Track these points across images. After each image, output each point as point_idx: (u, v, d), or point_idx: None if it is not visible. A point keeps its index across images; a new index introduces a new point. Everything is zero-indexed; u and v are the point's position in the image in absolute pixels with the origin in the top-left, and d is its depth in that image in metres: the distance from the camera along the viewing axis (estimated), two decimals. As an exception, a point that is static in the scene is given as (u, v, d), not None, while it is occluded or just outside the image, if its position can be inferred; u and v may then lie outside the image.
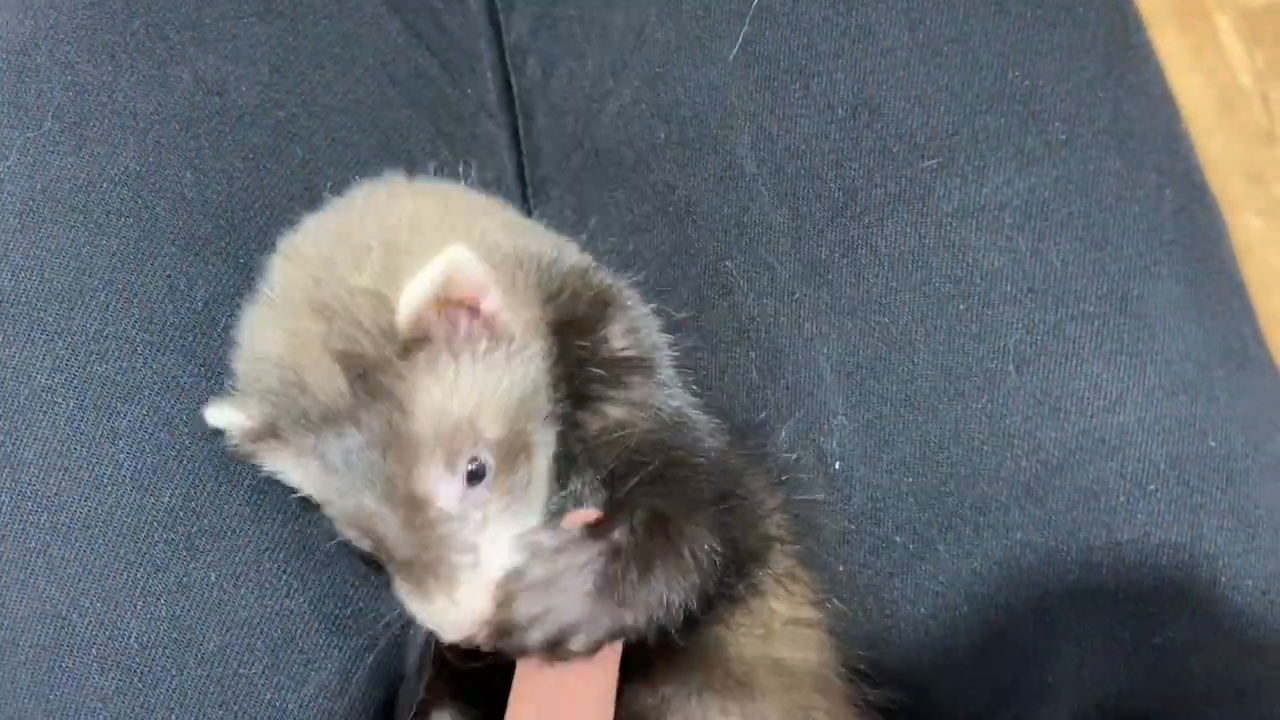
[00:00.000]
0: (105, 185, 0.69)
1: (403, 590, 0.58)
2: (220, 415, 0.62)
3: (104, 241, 0.68)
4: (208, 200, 0.71)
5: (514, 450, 0.59)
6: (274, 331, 0.61)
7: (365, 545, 0.60)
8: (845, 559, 0.74)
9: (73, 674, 0.62)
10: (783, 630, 0.66)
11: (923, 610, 0.72)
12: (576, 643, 0.56)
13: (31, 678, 0.62)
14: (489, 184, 0.88)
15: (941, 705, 0.71)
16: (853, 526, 0.74)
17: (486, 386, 0.58)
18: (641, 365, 0.67)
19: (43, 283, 0.66)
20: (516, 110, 0.93)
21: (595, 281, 0.68)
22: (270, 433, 0.60)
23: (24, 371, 0.65)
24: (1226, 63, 1.75)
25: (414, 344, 0.57)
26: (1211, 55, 1.74)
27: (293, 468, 0.61)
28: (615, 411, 0.65)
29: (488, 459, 0.58)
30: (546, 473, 0.62)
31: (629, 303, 0.70)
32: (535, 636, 0.56)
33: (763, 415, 0.76)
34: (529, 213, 0.90)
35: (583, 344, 0.64)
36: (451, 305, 0.57)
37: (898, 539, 0.73)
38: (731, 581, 0.63)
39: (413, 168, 0.80)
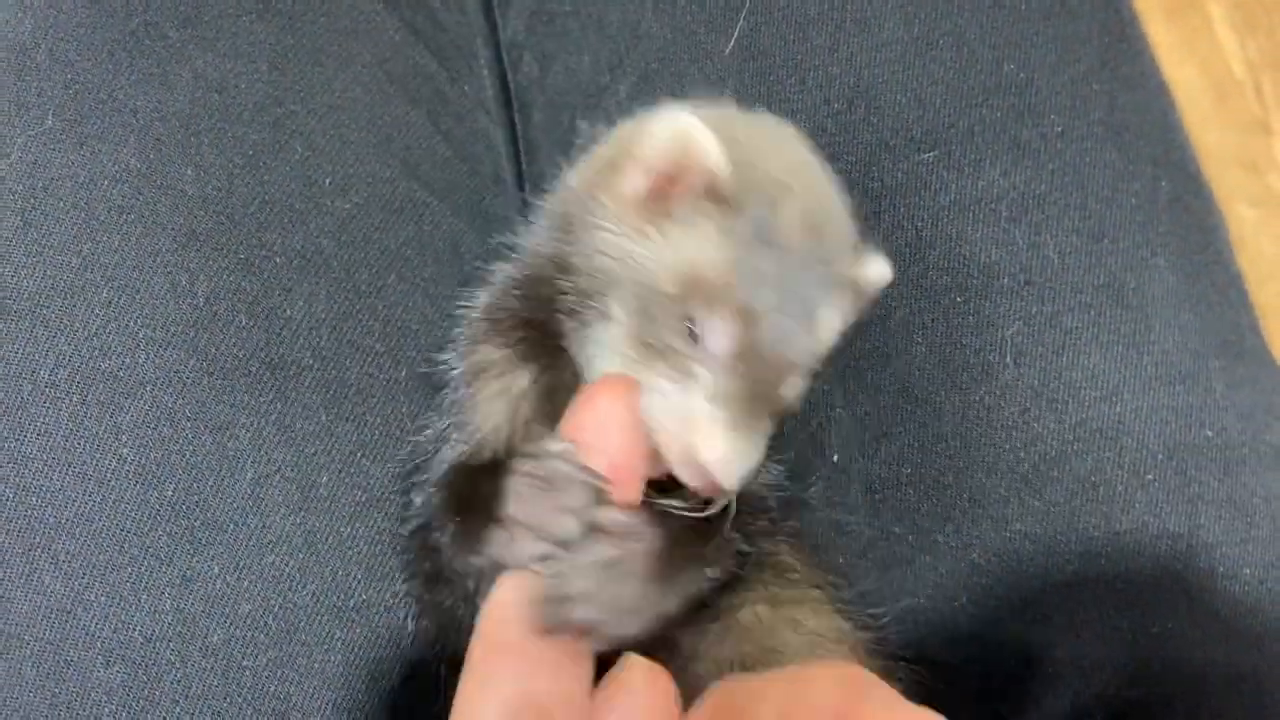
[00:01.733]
0: (106, 183, 0.69)
1: (709, 411, 0.58)
2: (709, 142, 0.60)
3: (105, 238, 0.68)
4: (208, 197, 0.71)
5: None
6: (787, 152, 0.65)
7: (671, 329, 0.60)
8: (844, 550, 0.75)
9: (77, 668, 0.62)
10: (788, 600, 0.67)
11: (921, 601, 0.73)
12: (621, 627, 0.55)
13: (36, 672, 0.62)
14: (486, 179, 0.88)
15: (941, 696, 0.72)
16: (851, 518, 0.75)
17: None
18: None
19: (45, 279, 0.67)
20: (513, 107, 0.93)
21: None
22: (724, 198, 0.60)
23: (27, 368, 0.65)
24: (1219, 53, 1.75)
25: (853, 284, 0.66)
26: (1204, 45, 1.75)
27: (706, 233, 0.60)
28: None
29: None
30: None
31: None
32: (581, 614, 0.53)
33: None
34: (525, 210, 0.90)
35: None
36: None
37: (896, 530, 0.73)
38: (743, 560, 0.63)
39: (412, 165, 0.81)
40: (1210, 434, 0.71)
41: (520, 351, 0.68)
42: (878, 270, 0.67)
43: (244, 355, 0.69)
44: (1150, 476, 0.70)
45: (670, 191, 0.61)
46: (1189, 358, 0.73)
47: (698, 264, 0.60)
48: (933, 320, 0.73)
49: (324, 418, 0.71)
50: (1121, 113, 0.78)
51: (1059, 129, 0.76)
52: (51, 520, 0.64)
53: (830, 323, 0.63)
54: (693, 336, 0.59)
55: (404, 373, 0.74)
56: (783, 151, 0.66)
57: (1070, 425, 0.71)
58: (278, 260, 0.72)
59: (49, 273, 0.67)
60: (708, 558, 0.60)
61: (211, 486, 0.66)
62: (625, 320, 0.61)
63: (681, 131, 0.60)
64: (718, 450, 0.57)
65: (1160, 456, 0.70)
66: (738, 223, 0.60)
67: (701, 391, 0.59)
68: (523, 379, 0.67)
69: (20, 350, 0.66)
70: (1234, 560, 0.70)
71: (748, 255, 0.59)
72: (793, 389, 0.62)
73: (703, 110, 0.63)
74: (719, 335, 0.59)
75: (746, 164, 0.61)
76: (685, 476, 0.58)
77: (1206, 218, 0.81)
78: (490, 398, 0.67)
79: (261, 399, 0.69)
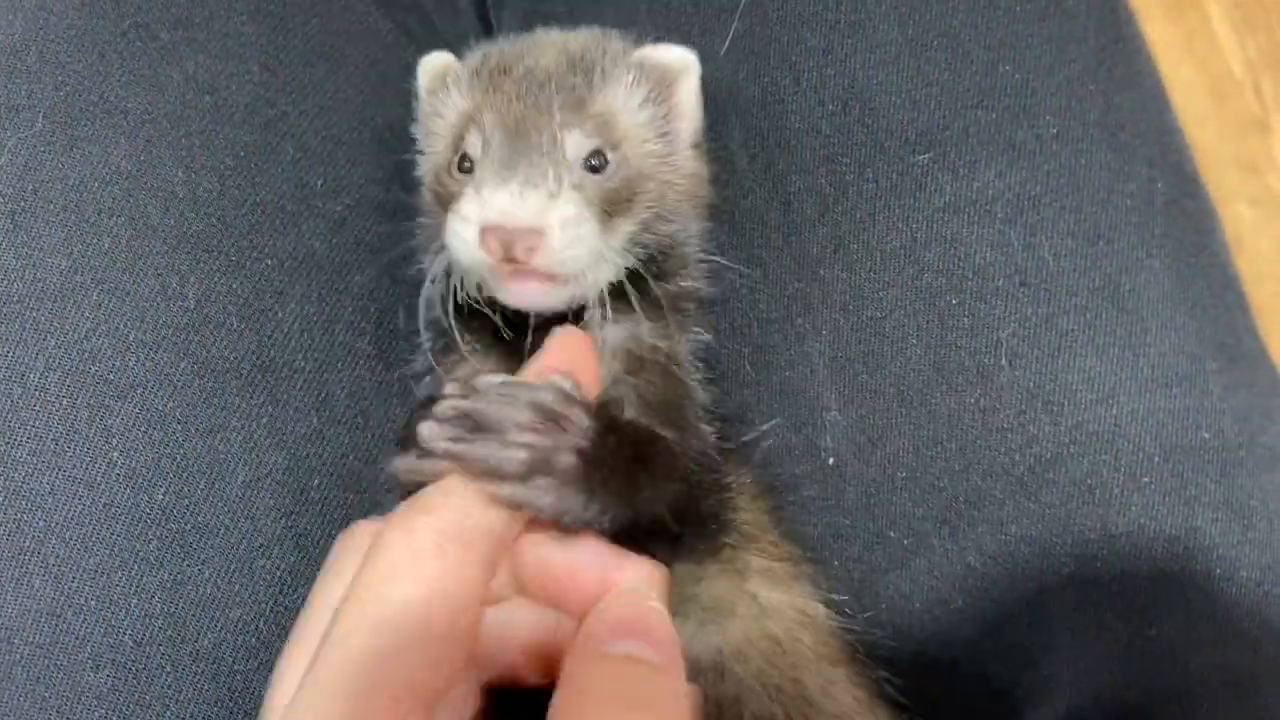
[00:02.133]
0: (96, 185, 0.69)
1: (472, 193, 0.62)
2: (435, 56, 0.75)
3: (96, 241, 0.68)
4: (199, 199, 0.71)
5: (626, 192, 0.67)
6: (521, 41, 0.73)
7: (453, 177, 0.67)
8: (839, 554, 0.74)
9: (68, 671, 0.62)
10: (757, 575, 0.66)
11: (917, 605, 0.72)
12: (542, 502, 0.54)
13: (26, 675, 0.62)
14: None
15: (936, 700, 0.71)
16: (846, 521, 0.74)
17: (656, 135, 0.70)
18: (691, 303, 0.72)
19: (35, 282, 0.67)
20: None
21: None
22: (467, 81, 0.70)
23: (17, 371, 0.65)
24: (1218, 52, 1.75)
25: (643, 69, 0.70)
26: (1203, 44, 1.74)
27: (458, 92, 0.70)
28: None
29: (612, 167, 0.66)
30: (613, 253, 0.66)
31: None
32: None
33: (755, 410, 0.76)
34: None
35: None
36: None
37: (891, 534, 0.73)
38: (693, 522, 0.62)
39: (405, 165, 0.80)
40: (1207, 436, 0.71)
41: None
42: (666, 51, 0.72)
43: (235, 358, 0.69)
44: (1147, 479, 0.69)
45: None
46: (1185, 360, 0.73)
47: (455, 114, 0.70)
48: (928, 323, 0.73)
49: (316, 421, 0.71)
50: (1117, 113, 0.78)
51: (1054, 130, 0.75)
52: (41, 524, 0.63)
53: (607, 97, 0.68)
54: (464, 168, 0.67)
55: (396, 375, 0.74)
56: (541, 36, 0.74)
57: (1066, 428, 0.70)
58: (269, 262, 0.72)
59: (39, 275, 0.67)
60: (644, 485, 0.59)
61: (202, 490, 0.66)
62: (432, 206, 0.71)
63: (422, 65, 0.75)
64: (490, 208, 0.60)
65: (1157, 459, 0.70)
66: (476, 70, 0.70)
67: (467, 193, 0.63)
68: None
69: (10, 353, 0.65)
70: (1231, 562, 0.69)
71: (489, 84, 0.68)
72: (575, 148, 0.65)
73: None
74: (473, 145, 0.66)
75: (489, 52, 0.72)
76: (501, 255, 0.60)
77: (1203, 219, 0.80)
78: None
79: (253, 402, 0.69)
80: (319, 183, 0.74)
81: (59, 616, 0.63)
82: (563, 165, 0.63)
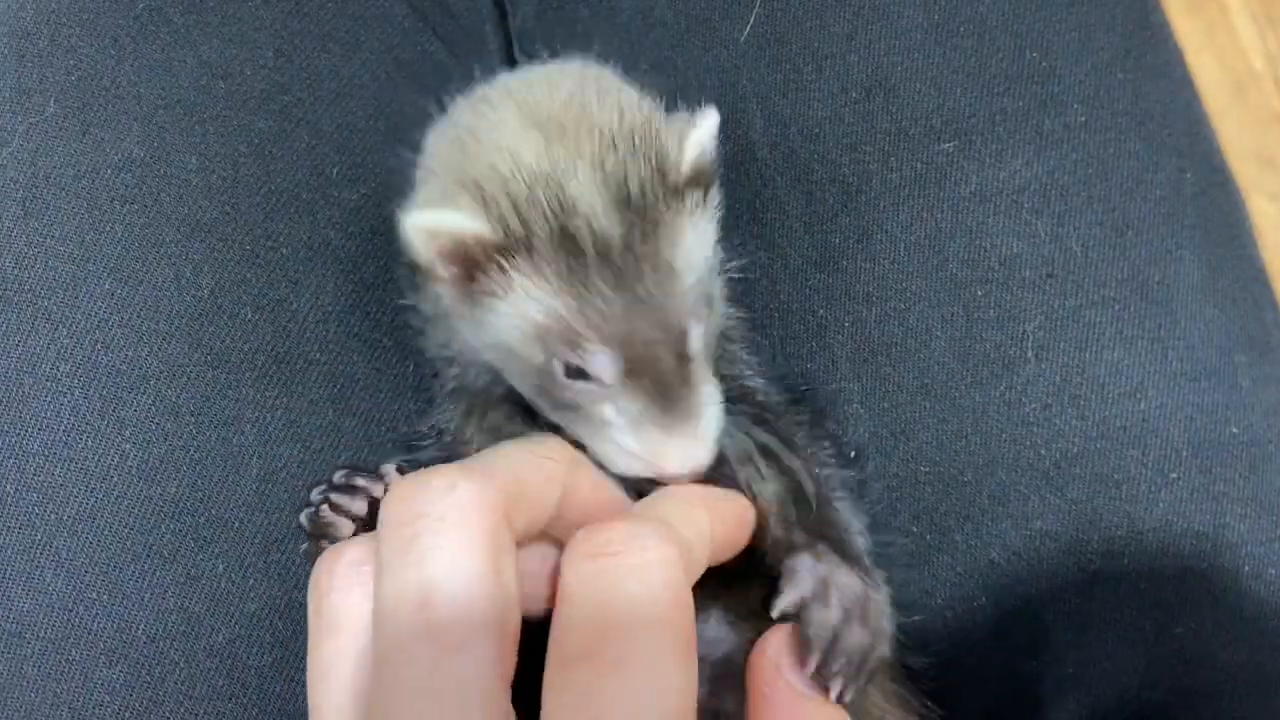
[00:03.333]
0: (109, 171, 0.68)
1: (637, 436, 0.57)
2: (456, 221, 0.56)
3: (108, 228, 0.67)
4: (212, 186, 0.70)
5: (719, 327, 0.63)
6: (530, 142, 0.58)
7: (561, 382, 0.58)
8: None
9: (80, 666, 0.61)
10: None
11: (940, 601, 0.71)
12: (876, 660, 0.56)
13: (39, 671, 0.61)
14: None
15: (960, 696, 0.70)
16: (868, 516, 0.73)
17: (713, 251, 0.62)
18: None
19: (47, 270, 0.66)
20: None
21: None
22: (514, 249, 0.56)
23: (29, 361, 0.64)
24: (1238, 46, 1.73)
25: (687, 186, 0.59)
26: (1223, 38, 1.73)
27: (532, 289, 0.57)
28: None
29: (710, 323, 0.61)
30: None
31: None
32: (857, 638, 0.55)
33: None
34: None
35: None
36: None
37: (914, 529, 0.72)
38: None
39: (420, 152, 0.79)
40: (1236, 431, 0.70)
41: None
42: (698, 135, 0.60)
43: (250, 349, 0.68)
44: (1174, 474, 0.68)
45: (469, 271, 0.58)
46: (1214, 353, 0.71)
47: (539, 317, 0.57)
48: (953, 314, 0.72)
49: (330, 413, 0.70)
50: (1145, 102, 0.76)
51: (1082, 119, 0.74)
52: (53, 517, 0.63)
53: (684, 253, 0.59)
54: (577, 376, 0.58)
55: (410, 368, 0.73)
56: (545, 122, 0.59)
57: (1093, 422, 0.69)
58: (284, 251, 0.71)
59: (51, 264, 0.66)
60: None
61: (216, 483, 0.65)
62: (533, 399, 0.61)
63: (420, 230, 0.57)
64: (671, 459, 0.57)
65: (1185, 454, 0.69)
66: (538, 259, 0.56)
67: (620, 426, 0.58)
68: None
69: (21, 343, 0.64)
70: (1259, 559, 0.68)
71: (574, 285, 0.56)
72: (696, 338, 0.59)
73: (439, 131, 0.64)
74: (598, 369, 0.57)
75: (510, 188, 0.57)
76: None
77: (1231, 210, 0.79)
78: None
79: (267, 393, 0.68)
80: (334, 170, 0.73)
81: (71, 611, 0.62)
82: (695, 373, 0.59)
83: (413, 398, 0.72)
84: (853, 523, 0.65)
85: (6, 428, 0.63)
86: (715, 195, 0.62)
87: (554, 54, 0.90)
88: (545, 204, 0.56)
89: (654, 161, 0.58)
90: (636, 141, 0.58)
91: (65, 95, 0.69)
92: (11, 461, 0.63)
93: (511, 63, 0.92)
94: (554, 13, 0.89)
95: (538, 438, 0.57)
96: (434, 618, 0.45)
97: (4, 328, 0.64)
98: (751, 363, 0.69)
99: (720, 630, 0.61)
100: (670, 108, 0.64)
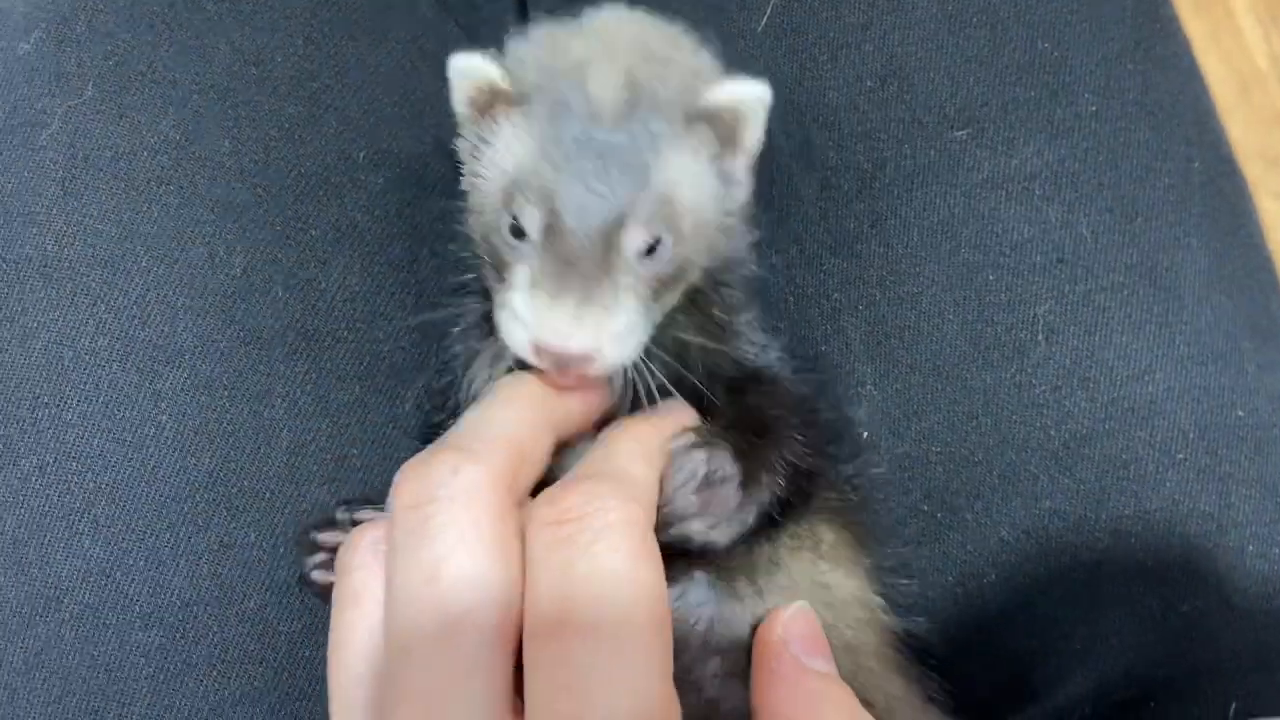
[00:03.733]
0: (145, 153, 0.70)
1: (526, 297, 0.57)
2: (475, 66, 0.63)
3: (145, 208, 0.69)
4: (244, 169, 0.72)
5: (678, 273, 0.62)
6: (580, 39, 0.64)
7: (505, 240, 0.59)
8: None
9: (116, 630, 0.63)
10: (829, 553, 0.66)
11: (950, 578, 0.73)
12: (722, 534, 0.58)
13: (76, 634, 0.63)
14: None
15: (969, 671, 0.72)
16: (880, 496, 0.75)
17: (714, 200, 0.63)
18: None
19: (86, 248, 0.68)
20: None
21: None
22: (516, 102, 0.61)
23: (69, 335, 0.66)
24: (1243, 46, 1.75)
25: (705, 121, 0.61)
26: (1228, 38, 1.74)
27: (513, 141, 0.61)
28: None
29: (666, 248, 0.60)
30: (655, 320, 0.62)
31: None
32: (696, 526, 0.57)
33: None
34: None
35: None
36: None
37: (925, 508, 0.73)
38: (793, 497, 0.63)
39: (444, 141, 0.81)
40: (1241, 415, 0.71)
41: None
42: (736, 90, 0.63)
43: (280, 325, 0.70)
44: (1181, 456, 0.70)
45: (481, 114, 0.63)
46: (1221, 339, 0.73)
47: (509, 167, 0.60)
48: (964, 298, 0.73)
49: (358, 390, 0.71)
50: (1155, 92, 0.78)
51: (1093, 108, 0.75)
52: (91, 485, 0.65)
53: (669, 167, 0.60)
54: (517, 236, 0.59)
55: (434, 348, 0.75)
56: (598, 32, 0.65)
57: (1102, 404, 0.71)
58: (314, 233, 0.72)
59: (89, 241, 0.68)
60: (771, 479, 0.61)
61: (249, 454, 0.67)
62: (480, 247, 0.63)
63: (454, 69, 0.64)
64: (549, 331, 0.56)
65: (1192, 436, 0.70)
66: (531, 114, 0.60)
67: (520, 283, 0.58)
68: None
69: (61, 318, 0.66)
70: (1264, 540, 0.70)
71: (545, 140, 0.59)
72: (634, 240, 0.58)
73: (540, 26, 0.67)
74: (527, 222, 0.58)
75: (543, 63, 0.62)
76: (550, 368, 0.58)
77: (1238, 200, 0.80)
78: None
79: (298, 369, 0.69)
80: (361, 155, 0.75)
81: (108, 576, 0.64)
82: (619, 268, 0.58)
83: (435, 377, 0.74)
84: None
85: (47, 399, 0.65)
86: (740, 160, 0.65)
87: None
88: (560, 73, 0.60)
89: (679, 84, 0.61)
90: (672, 65, 0.62)
91: (103, 79, 0.70)
92: (51, 431, 0.65)
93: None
94: (573, 5, 0.91)
95: (512, 379, 0.60)
96: (442, 590, 0.48)
97: (45, 303, 0.66)
98: (763, 341, 0.69)
99: (701, 592, 0.62)
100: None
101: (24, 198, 0.68)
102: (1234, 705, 0.67)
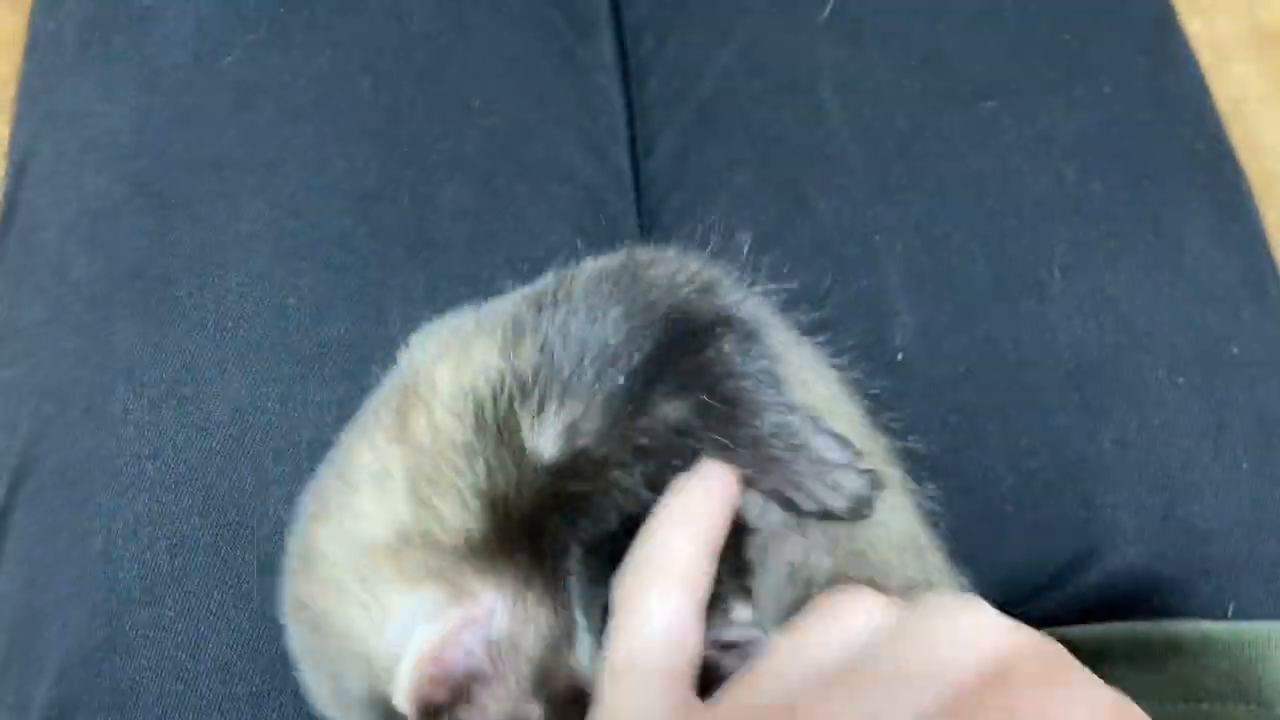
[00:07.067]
0: (303, 82, 0.84)
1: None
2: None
3: (300, 126, 0.83)
4: (380, 103, 0.86)
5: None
6: None
7: None
8: (902, 438, 0.84)
9: (254, 458, 0.74)
10: None
11: (971, 481, 0.81)
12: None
13: (222, 460, 0.74)
14: (603, 129, 1.01)
15: (987, 567, 0.80)
16: (911, 410, 0.84)
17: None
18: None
19: (251, 151, 0.82)
20: (630, 76, 1.08)
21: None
22: None
23: (232, 219, 0.80)
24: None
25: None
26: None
27: None
28: None
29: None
30: None
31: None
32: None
33: (836, 315, 0.87)
34: (636, 168, 1.02)
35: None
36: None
37: (951, 419, 0.83)
38: None
39: (544, 101, 0.94)
40: (1236, 351, 0.81)
41: None
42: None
43: (403, 229, 0.82)
44: (1181, 379, 0.79)
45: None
46: (1220, 287, 0.83)
47: None
48: (990, 240, 0.84)
49: (462, 289, 0.83)
50: (1163, 85, 0.90)
51: (1108, 90, 0.88)
52: (242, 339, 0.77)
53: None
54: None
55: (526, 267, 0.87)
56: None
57: (1110, 331, 0.80)
58: (434, 158, 0.86)
59: (255, 147, 0.82)
60: None
61: (368, 329, 0.79)
62: None
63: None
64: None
65: (1190, 362, 0.79)
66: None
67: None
68: None
69: (228, 204, 0.80)
70: (1258, 459, 0.78)
71: None
72: None
73: None
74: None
75: None
76: None
77: (1238, 184, 0.91)
78: None
79: (412, 264, 0.82)
80: (476, 101, 0.89)
81: (249, 414, 0.75)
82: None
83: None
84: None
85: (211, 268, 0.78)
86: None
87: (659, 43, 1.05)
88: None
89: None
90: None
91: (274, 21, 0.86)
92: (212, 294, 0.77)
93: (621, 44, 1.07)
94: (666, 8, 1.05)
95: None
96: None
97: (218, 188, 0.80)
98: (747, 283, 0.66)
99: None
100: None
101: (206, 109, 0.83)
102: (1231, 605, 0.75)
